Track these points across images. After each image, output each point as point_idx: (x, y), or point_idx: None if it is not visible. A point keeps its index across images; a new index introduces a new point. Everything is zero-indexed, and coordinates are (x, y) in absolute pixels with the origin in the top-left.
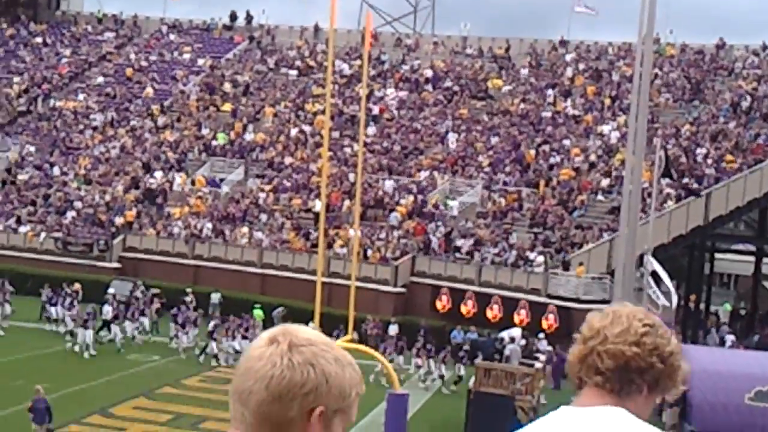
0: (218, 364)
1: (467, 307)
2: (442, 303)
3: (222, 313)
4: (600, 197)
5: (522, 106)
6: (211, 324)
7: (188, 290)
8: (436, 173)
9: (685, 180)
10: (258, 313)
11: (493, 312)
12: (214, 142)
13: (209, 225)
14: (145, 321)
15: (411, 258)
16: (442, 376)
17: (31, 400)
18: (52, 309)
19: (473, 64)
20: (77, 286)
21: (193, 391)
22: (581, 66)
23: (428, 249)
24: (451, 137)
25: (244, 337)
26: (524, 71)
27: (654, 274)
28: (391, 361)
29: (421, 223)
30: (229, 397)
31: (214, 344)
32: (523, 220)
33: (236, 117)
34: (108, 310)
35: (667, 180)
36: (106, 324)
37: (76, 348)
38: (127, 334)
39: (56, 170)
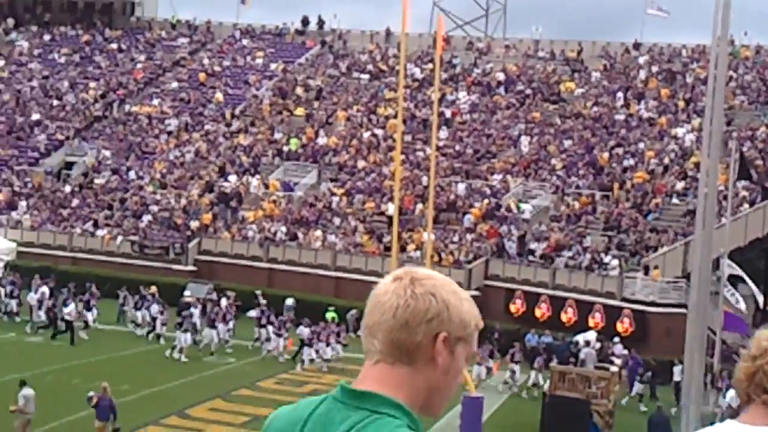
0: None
1: (541, 311)
2: (516, 306)
3: (296, 317)
4: (675, 200)
5: (595, 109)
6: (307, 330)
7: (258, 292)
8: (508, 176)
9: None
10: (331, 315)
11: (568, 315)
12: (286, 147)
13: (283, 228)
14: (230, 324)
15: (484, 261)
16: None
17: (96, 397)
18: (138, 313)
19: (545, 67)
20: (153, 288)
21: (269, 393)
22: (654, 68)
23: (502, 252)
24: (524, 140)
25: (338, 343)
26: (597, 74)
27: (732, 277)
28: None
29: (494, 227)
30: (362, 332)
31: (311, 350)
32: (597, 224)
33: (309, 121)
34: (196, 314)
35: (744, 182)
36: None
37: (176, 354)
38: (222, 336)
39: (132, 174)
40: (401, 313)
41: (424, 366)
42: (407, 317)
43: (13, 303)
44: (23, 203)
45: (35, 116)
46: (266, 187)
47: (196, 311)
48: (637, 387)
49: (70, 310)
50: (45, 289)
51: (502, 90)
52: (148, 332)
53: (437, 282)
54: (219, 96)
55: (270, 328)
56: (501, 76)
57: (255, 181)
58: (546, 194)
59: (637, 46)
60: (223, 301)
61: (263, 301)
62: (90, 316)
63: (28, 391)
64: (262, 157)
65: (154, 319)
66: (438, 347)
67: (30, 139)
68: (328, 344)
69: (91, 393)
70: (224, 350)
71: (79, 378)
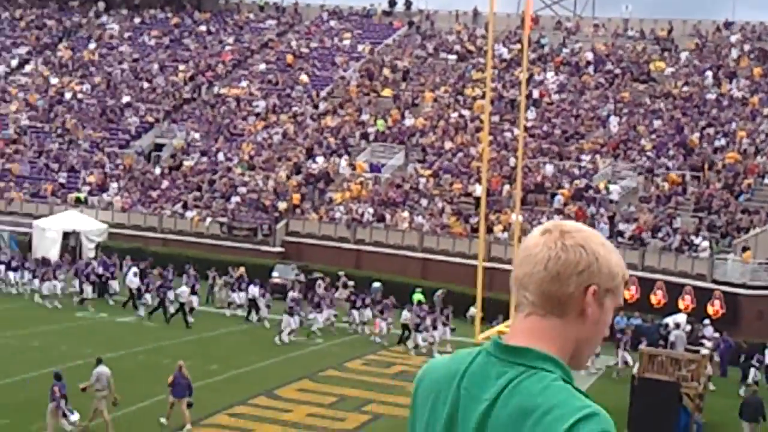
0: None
1: (630, 293)
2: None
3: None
4: (767, 181)
5: (685, 88)
6: (409, 314)
7: (341, 273)
8: (597, 157)
9: None
10: (418, 297)
11: (657, 297)
12: (373, 128)
13: (370, 209)
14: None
15: None
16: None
17: (172, 375)
18: (234, 295)
19: (635, 46)
20: (242, 269)
21: (357, 374)
22: (747, 47)
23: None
24: (613, 121)
25: (444, 325)
26: (687, 53)
27: None
28: None
29: (582, 208)
30: (511, 285)
31: (421, 335)
32: (687, 205)
33: (396, 102)
34: (293, 297)
35: None
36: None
37: (285, 338)
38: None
39: (221, 156)
40: (552, 265)
41: (574, 318)
42: (558, 269)
43: (114, 284)
44: (114, 185)
45: (126, 99)
46: (353, 168)
47: (294, 294)
48: (753, 373)
49: (181, 291)
50: (134, 269)
51: (590, 70)
52: (248, 314)
53: (586, 234)
54: (309, 77)
55: (367, 311)
56: (590, 56)
57: (343, 163)
58: (635, 175)
59: (728, 24)
60: (320, 285)
61: (351, 283)
62: (195, 300)
63: (102, 368)
64: (349, 138)
65: (252, 300)
66: (588, 299)
67: (121, 122)
68: (435, 327)
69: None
70: (306, 331)
71: (169, 358)
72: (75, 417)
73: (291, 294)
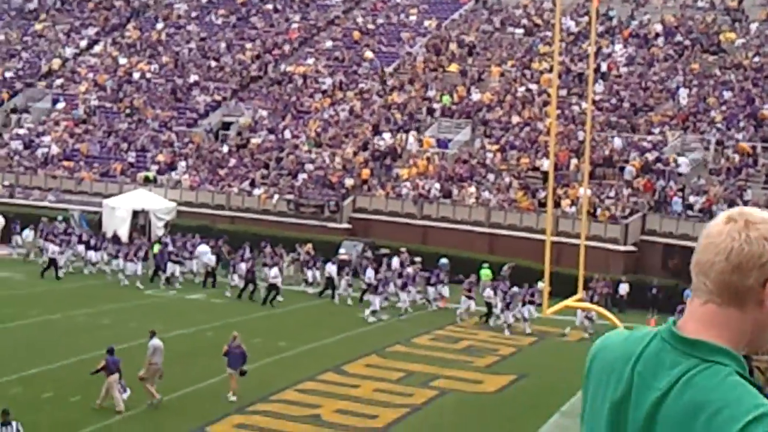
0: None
1: None
2: (674, 262)
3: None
4: None
5: (756, 59)
6: (492, 292)
7: (402, 249)
8: (666, 130)
9: None
10: (486, 272)
11: None
12: (439, 104)
13: (437, 185)
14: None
15: (641, 216)
16: None
17: (227, 345)
18: (309, 272)
19: (705, 17)
20: (309, 246)
21: (424, 349)
22: None
23: (659, 207)
24: (682, 93)
25: (531, 303)
26: (758, 23)
27: None
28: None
29: (651, 181)
30: (692, 269)
31: (508, 313)
32: (758, 177)
33: (462, 77)
34: (371, 276)
35: None
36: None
37: (371, 318)
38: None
39: (287, 133)
40: (735, 256)
41: (752, 309)
42: (741, 261)
43: (177, 268)
44: (182, 163)
45: (193, 78)
46: (420, 144)
47: (372, 273)
48: None
49: (275, 273)
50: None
51: (659, 41)
52: (322, 291)
53: None
54: (375, 53)
55: (443, 287)
56: (659, 28)
57: (410, 139)
58: (705, 147)
59: None
60: (395, 261)
61: (418, 259)
62: (279, 279)
63: (156, 341)
64: (416, 114)
65: (329, 278)
66: (767, 291)
67: (188, 101)
68: (524, 304)
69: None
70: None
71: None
72: (126, 395)
73: (368, 272)
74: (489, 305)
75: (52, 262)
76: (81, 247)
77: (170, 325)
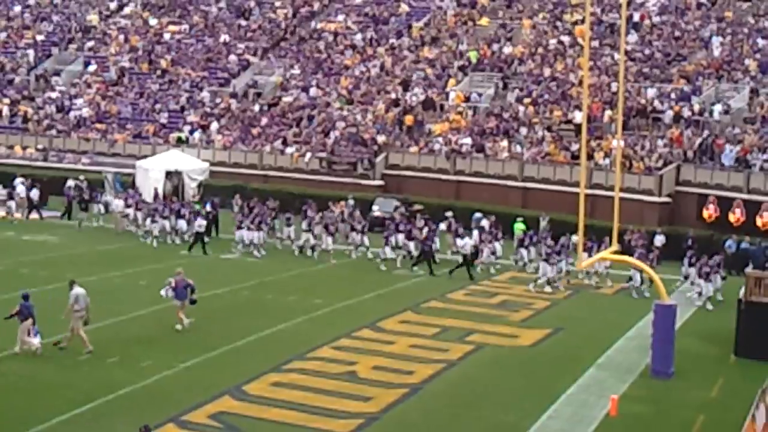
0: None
1: (735, 215)
2: (709, 212)
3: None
4: None
5: None
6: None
7: (418, 206)
8: (700, 79)
9: None
10: (520, 226)
11: (763, 219)
12: (472, 58)
13: (469, 140)
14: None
15: (676, 167)
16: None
17: (173, 280)
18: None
19: None
20: (342, 204)
21: (459, 304)
22: None
23: (694, 157)
24: (715, 41)
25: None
26: None
27: None
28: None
29: (685, 131)
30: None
31: (548, 267)
32: None
33: (494, 31)
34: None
35: None
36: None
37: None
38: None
39: (319, 91)
40: None
41: None
42: None
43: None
44: (215, 124)
45: (224, 37)
46: (452, 99)
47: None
48: None
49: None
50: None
51: None
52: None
53: None
54: (406, 8)
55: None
56: None
57: (453, 93)
58: (739, 96)
59: None
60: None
61: (449, 214)
62: (331, 240)
63: (78, 290)
64: (447, 68)
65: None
66: None
67: (219, 60)
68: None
69: (170, 279)
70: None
71: (272, 293)
72: (38, 340)
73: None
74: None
75: (199, 236)
76: (129, 210)
77: (206, 285)
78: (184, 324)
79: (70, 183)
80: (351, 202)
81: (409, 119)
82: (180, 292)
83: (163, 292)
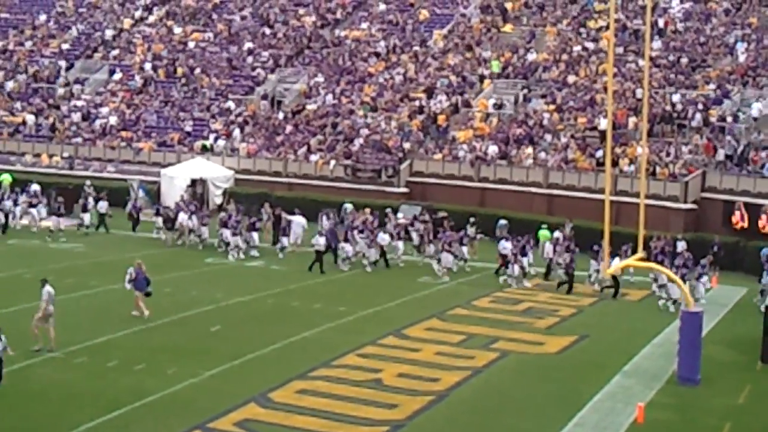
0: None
1: (763, 222)
2: (736, 218)
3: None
4: None
5: None
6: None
7: (442, 213)
8: (725, 85)
9: None
10: (545, 233)
11: None
12: (494, 65)
13: (494, 147)
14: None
15: (701, 173)
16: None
17: (134, 272)
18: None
19: None
20: (367, 210)
21: (484, 312)
22: None
23: (719, 164)
24: (740, 47)
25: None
26: None
27: None
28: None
29: (710, 138)
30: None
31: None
32: None
33: (518, 38)
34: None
35: None
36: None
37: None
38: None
39: (343, 99)
40: None
41: None
42: None
43: (254, 235)
44: (238, 131)
45: (248, 45)
46: (467, 105)
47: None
48: None
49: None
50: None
51: None
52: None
53: None
54: (429, 15)
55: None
56: None
57: (477, 101)
58: (765, 101)
59: None
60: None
61: (472, 219)
62: (348, 246)
63: (48, 288)
64: (471, 75)
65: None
66: None
67: (244, 68)
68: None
69: (130, 269)
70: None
71: (297, 301)
72: (2, 343)
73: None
74: (549, 264)
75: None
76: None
77: (230, 293)
78: (144, 314)
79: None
80: (349, 207)
81: (442, 118)
82: (139, 283)
83: (127, 286)
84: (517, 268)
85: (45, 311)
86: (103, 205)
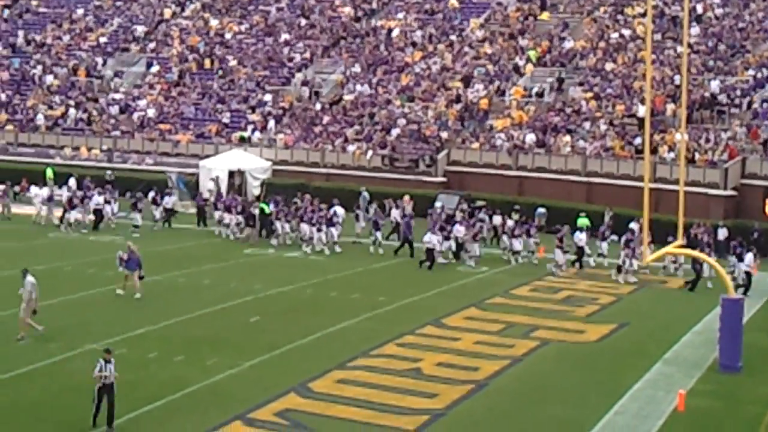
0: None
1: None
2: None
3: (547, 224)
4: None
5: None
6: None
7: (480, 202)
8: (764, 70)
9: None
10: (583, 221)
11: None
12: (531, 53)
13: (531, 135)
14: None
15: (741, 160)
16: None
17: (126, 254)
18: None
19: None
20: (406, 198)
21: (523, 300)
22: None
23: (760, 149)
24: None
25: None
26: None
27: None
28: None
29: (751, 123)
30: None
31: (631, 261)
32: None
33: (555, 25)
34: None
35: None
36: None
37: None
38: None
39: (380, 89)
40: None
41: None
42: None
43: (286, 226)
44: (272, 122)
45: (284, 36)
46: (503, 93)
47: (461, 228)
48: None
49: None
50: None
51: None
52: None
53: None
54: (466, 4)
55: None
56: None
57: (510, 91)
58: None
59: None
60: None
61: (517, 207)
62: (379, 235)
63: (31, 278)
64: (508, 63)
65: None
66: None
67: (280, 59)
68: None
69: (120, 252)
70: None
71: (336, 291)
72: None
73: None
74: (581, 250)
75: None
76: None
77: (269, 284)
78: (137, 294)
79: (71, 181)
80: (365, 194)
81: (484, 103)
82: (130, 264)
83: (120, 269)
84: (560, 254)
85: (34, 302)
86: (169, 200)
